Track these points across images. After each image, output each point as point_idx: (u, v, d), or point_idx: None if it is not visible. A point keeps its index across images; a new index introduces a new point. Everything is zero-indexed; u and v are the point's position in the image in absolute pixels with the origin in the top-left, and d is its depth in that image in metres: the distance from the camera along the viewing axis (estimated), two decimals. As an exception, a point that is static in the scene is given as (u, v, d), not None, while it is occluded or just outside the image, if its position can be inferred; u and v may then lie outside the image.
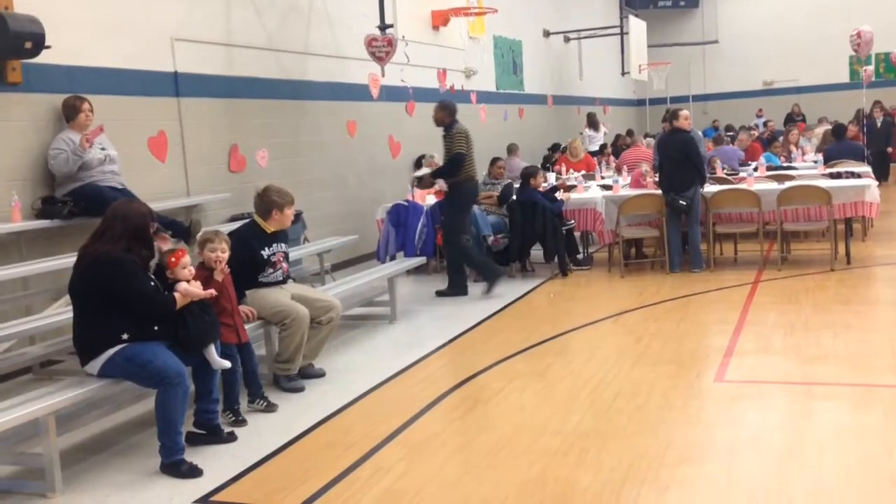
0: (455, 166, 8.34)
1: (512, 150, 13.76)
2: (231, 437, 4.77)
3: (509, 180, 10.14)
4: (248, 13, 9.08)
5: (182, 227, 6.67)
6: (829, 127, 14.91)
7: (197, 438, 4.69)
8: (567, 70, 19.89)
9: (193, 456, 4.45)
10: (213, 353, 4.59)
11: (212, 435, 4.71)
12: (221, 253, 4.95)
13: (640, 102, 26.13)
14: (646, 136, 16.74)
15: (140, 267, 4.33)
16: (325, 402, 5.41)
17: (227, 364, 4.72)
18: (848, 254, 9.10)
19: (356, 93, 10.76)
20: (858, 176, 9.88)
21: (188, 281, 4.53)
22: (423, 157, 11.78)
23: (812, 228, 9.48)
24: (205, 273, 4.93)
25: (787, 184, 9.25)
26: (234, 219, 8.29)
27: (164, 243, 5.05)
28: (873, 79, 22.50)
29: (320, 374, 5.97)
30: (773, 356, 5.86)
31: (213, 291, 4.69)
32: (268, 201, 5.73)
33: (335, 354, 6.58)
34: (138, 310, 4.27)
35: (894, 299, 7.40)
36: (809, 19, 23.62)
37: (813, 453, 4.12)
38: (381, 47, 9.44)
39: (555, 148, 15.88)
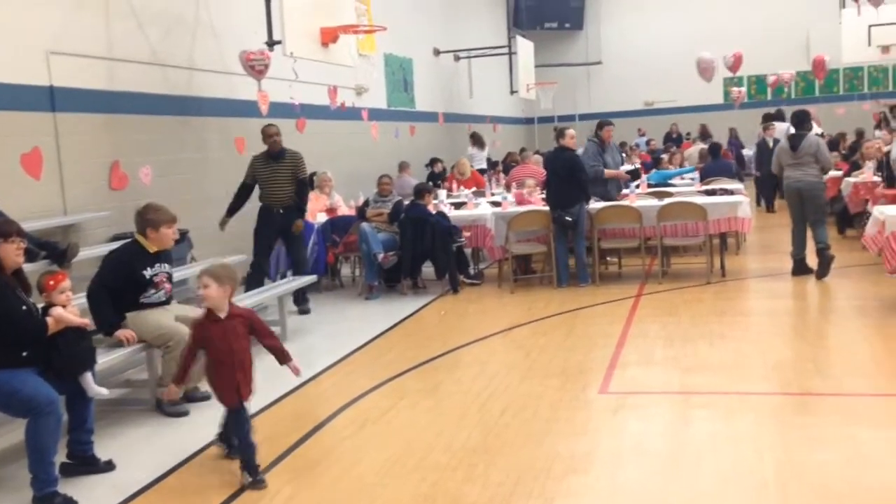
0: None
1: (403, 167, 13.79)
2: (109, 466, 4.57)
3: (399, 197, 10.15)
4: (130, 25, 8.81)
5: (57, 249, 6.38)
6: (704, 146, 15.53)
7: (71, 469, 4.47)
8: (457, 88, 20.11)
9: (68, 487, 4.25)
10: (89, 380, 4.40)
11: (87, 465, 4.50)
12: (203, 289, 4.18)
13: (528, 121, 26.66)
14: (535, 153, 17.06)
15: (9, 288, 4.11)
16: (211, 426, 5.25)
17: (105, 392, 4.52)
18: (723, 267, 9.50)
19: (245, 109, 10.58)
20: (732, 193, 10.35)
21: (64, 306, 4.33)
22: (314, 174, 11.66)
23: (690, 243, 9.85)
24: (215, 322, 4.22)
25: (667, 200, 9.59)
26: (115, 238, 7.99)
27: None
28: (745, 100, 23.73)
29: (205, 398, 5.79)
30: (653, 367, 6.05)
31: (87, 321, 4.47)
32: (144, 220, 5.55)
33: (222, 376, 6.40)
34: (3, 333, 4.05)
35: (765, 310, 7.76)
36: (686, 43, 24.61)
37: (691, 460, 4.27)
38: (259, 61, 9.33)
39: (432, 162, 15.96)
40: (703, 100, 24.47)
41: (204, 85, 9.98)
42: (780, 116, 16.94)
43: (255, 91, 9.68)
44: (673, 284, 9.06)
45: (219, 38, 10.26)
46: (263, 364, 6.68)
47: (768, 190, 15.25)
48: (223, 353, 4.16)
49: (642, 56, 25.98)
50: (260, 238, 8.64)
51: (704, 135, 19.22)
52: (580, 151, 9.85)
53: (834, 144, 14.58)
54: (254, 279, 8.58)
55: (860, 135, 15.15)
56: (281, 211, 8.57)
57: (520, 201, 10.21)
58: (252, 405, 5.55)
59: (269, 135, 8.59)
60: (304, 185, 8.73)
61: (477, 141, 17.63)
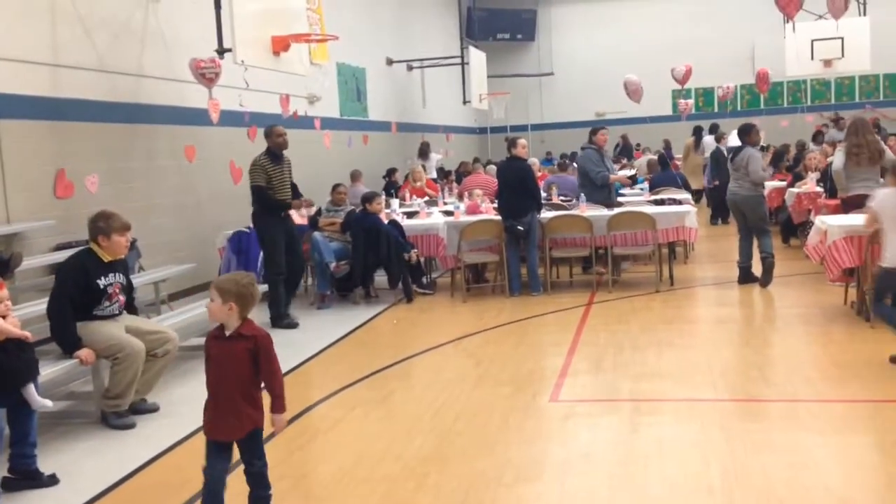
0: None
1: (355, 176, 13.76)
2: (53, 481, 4.47)
3: (352, 207, 10.12)
4: (76, 31, 8.65)
5: (0, 259, 6.22)
6: (652, 157, 15.73)
7: (14, 484, 4.36)
8: (411, 98, 20.14)
9: (10, 503, 4.14)
10: (32, 392, 4.30)
11: (30, 479, 4.39)
12: (209, 301, 3.61)
13: (481, 130, 26.79)
14: (488, 163, 17.15)
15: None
16: (158, 439, 5.17)
17: (49, 404, 4.42)
18: (671, 276, 9.65)
19: (195, 117, 10.46)
20: (680, 203, 10.51)
21: (4, 317, 4.23)
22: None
23: (639, 252, 9.98)
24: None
25: (616, 210, 9.71)
26: (60, 247, 7.82)
27: None
28: (693, 111, 24.14)
29: (153, 409, 5.70)
30: (603, 375, 6.11)
31: (27, 334, 4.35)
32: (95, 227, 5.44)
33: (172, 387, 6.31)
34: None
35: (712, 318, 7.89)
36: (636, 55, 25.01)
37: (640, 467, 4.31)
38: (209, 69, 9.24)
39: (390, 173, 15.96)
40: (653, 111, 24.83)
41: (153, 92, 9.85)
42: (713, 130, 17.40)
43: (205, 99, 9.59)
44: (623, 293, 9.17)
45: (168, 46, 10.13)
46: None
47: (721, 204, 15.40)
48: (214, 376, 3.58)
49: (593, 67, 26.28)
50: (276, 242, 8.30)
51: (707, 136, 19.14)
52: (581, 156, 10.29)
53: (779, 156, 14.88)
54: (289, 283, 8.49)
55: (802, 147, 15.49)
56: (283, 214, 8.47)
57: (473, 211, 10.25)
58: (200, 418, 5.48)
59: (278, 134, 8.42)
60: (296, 188, 8.77)
61: (422, 152, 17.67)
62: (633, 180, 11.20)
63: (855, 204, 8.35)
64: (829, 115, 22.30)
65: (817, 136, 18.71)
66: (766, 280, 8.93)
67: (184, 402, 5.93)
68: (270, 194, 8.27)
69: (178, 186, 10.43)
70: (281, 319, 8.40)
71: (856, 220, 7.55)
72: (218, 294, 3.51)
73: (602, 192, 10.11)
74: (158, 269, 8.87)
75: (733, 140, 14.38)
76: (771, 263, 8.86)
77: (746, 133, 9.28)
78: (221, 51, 8.98)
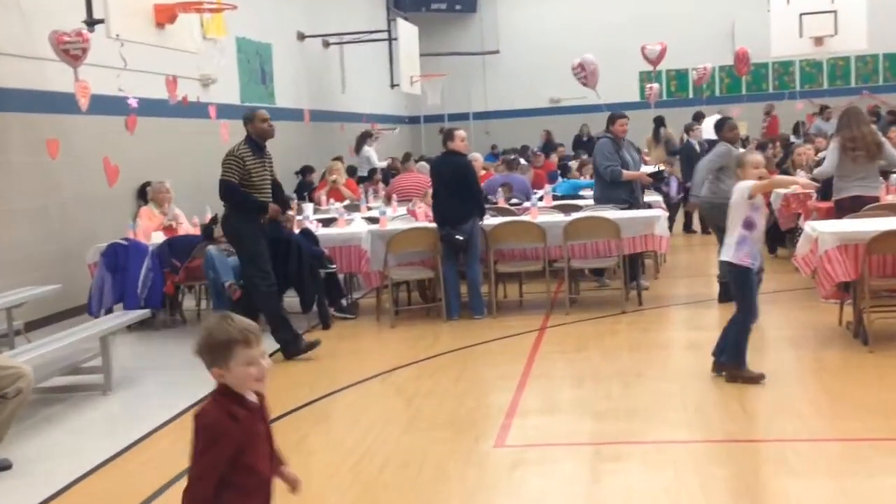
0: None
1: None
2: None
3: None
4: None
5: None
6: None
7: None
8: (327, 80, 20.10)
9: None
10: None
11: None
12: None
13: (413, 120, 26.88)
14: (420, 159, 17.20)
15: None
16: (11, 502, 5.05)
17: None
18: (639, 294, 9.80)
19: (59, 103, 10.28)
20: (649, 206, 10.69)
21: None
22: (148, 184, 11.41)
23: (602, 265, 10.11)
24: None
25: (574, 215, 9.84)
26: None
27: None
28: (663, 97, 24.59)
29: (5, 467, 5.57)
30: (559, 414, 6.18)
31: None
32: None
33: (28, 438, 6.18)
34: None
35: (688, 343, 8.04)
36: (597, 31, 25.37)
37: (601, 523, 4.38)
38: (74, 44, 9.09)
39: (305, 171, 15.90)
40: (618, 97, 25.17)
41: (6, 73, 9.65)
42: (697, 118, 17.81)
43: (71, 81, 9.44)
44: (582, 314, 9.28)
45: (25, 16, 9.95)
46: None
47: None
48: (268, 460, 3.15)
49: (548, 45, 26.49)
50: (258, 245, 8.14)
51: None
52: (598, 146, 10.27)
53: (762, 149, 15.24)
54: (276, 296, 8.35)
55: (787, 140, 15.89)
56: (261, 220, 8.25)
57: (412, 216, 10.27)
58: (66, 475, 5.38)
59: (262, 118, 8.24)
60: (279, 187, 8.64)
61: (359, 144, 17.71)
62: (658, 177, 11.16)
63: (850, 207, 8.61)
64: (820, 101, 22.96)
65: (797, 128, 19.24)
66: None
67: (46, 456, 5.81)
68: (245, 194, 8.03)
69: (39, 188, 10.23)
70: (297, 344, 8.06)
71: (851, 225, 7.81)
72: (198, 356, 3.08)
73: (622, 190, 10.05)
74: (12, 291, 8.68)
75: (708, 132, 14.72)
76: None
77: (719, 128, 9.50)
78: (91, 22, 8.87)
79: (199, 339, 3.02)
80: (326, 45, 19.99)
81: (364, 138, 18.46)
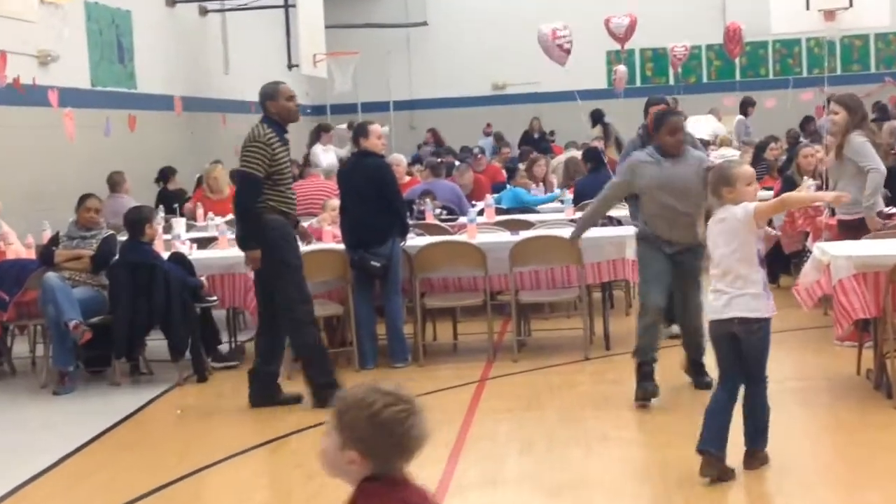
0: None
1: (117, 183, 13.52)
2: None
3: (111, 231, 9.95)
4: None
5: None
6: (576, 154, 16.11)
7: None
8: (205, 59, 20.00)
9: None
10: None
11: None
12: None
13: (317, 110, 26.80)
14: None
15: None
16: None
17: None
18: (606, 335, 9.84)
19: None
20: (619, 222, 10.77)
21: None
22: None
23: (558, 299, 10.15)
24: None
25: (523, 234, 9.89)
26: None
27: None
28: (637, 83, 24.89)
29: None
30: (504, 488, 6.19)
31: None
32: None
33: None
34: None
35: (666, 397, 8.10)
36: (556, 1, 25.55)
37: None
38: None
39: (165, 175, 15.71)
40: (579, 83, 25.41)
41: None
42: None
43: None
44: (534, 362, 9.30)
45: None
46: None
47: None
48: None
49: (490, 16, 26.68)
50: (297, 259, 8.26)
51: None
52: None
53: (760, 150, 15.53)
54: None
55: (795, 139, 16.19)
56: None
57: (315, 237, 10.21)
58: None
59: (287, 95, 8.34)
60: None
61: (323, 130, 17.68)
62: None
63: (856, 227, 8.74)
64: (831, 91, 23.45)
65: (807, 124, 19.57)
66: None
67: None
68: (270, 192, 8.07)
69: None
70: (331, 389, 7.64)
71: (871, 248, 7.95)
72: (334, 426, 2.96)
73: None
74: None
75: (698, 130, 14.97)
76: None
77: (657, 126, 9.01)
78: None
79: (366, 413, 2.88)
80: (204, 12, 19.89)
81: (318, 134, 18.35)
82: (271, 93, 8.37)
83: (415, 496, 2.94)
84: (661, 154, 7.72)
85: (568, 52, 22.04)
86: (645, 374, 7.65)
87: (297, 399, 8.29)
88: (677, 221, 7.54)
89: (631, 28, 21.98)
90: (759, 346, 6.09)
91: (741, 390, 6.10)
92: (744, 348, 6.04)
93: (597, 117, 19.20)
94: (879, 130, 12.13)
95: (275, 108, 8.31)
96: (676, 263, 7.73)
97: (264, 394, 8.28)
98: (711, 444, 5.99)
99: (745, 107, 21.40)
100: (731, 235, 5.97)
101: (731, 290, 5.96)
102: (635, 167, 7.87)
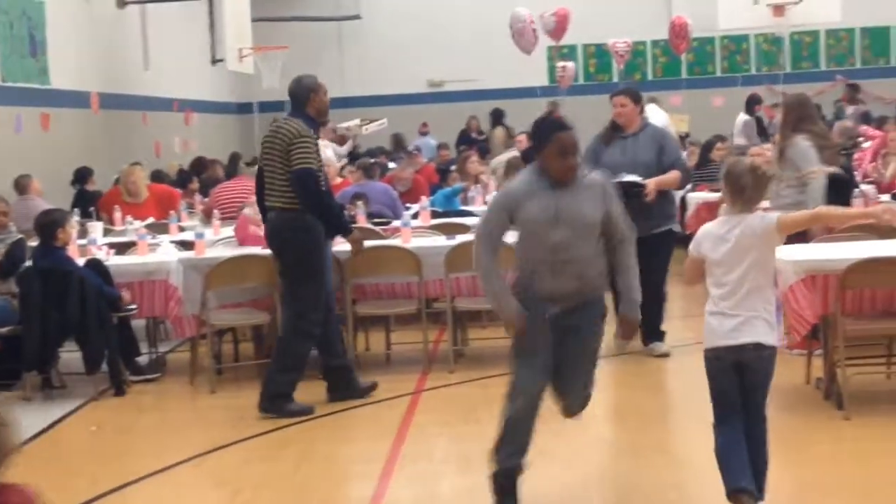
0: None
1: (25, 185, 13.35)
2: None
3: (20, 236, 9.85)
4: None
5: None
6: (515, 154, 16.16)
7: None
8: (124, 53, 19.82)
9: None
10: None
11: None
12: None
13: (243, 108, 26.70)
14: (253, 161, 17.06)
15: None
16: None
17: None
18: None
19: None
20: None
21: None
22: None
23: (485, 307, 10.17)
24: None
25: (460, 238, 9.91)
26: None
27: None
28: (580, 80, 25.01)
29: None
30: (439, 508, 6.18)
31: None
32: None
33: None
34: None
35: (609, 408, 8.18)
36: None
37: None
38: None
39: (82, 176, 15.53)
40: (519, 80, 25.53)
41: None
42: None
43: None
44: (472, 373, 9.31)
45: None
46: None
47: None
48: None
49: (426, 10, 26.72)
50: (321, 279, 8.48)
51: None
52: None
53: (706, 150, 15.65)
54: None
55: (719, 138, 16.17)
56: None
57: (243, 239, 10.16)
58: None
59: (325, 91, 8.62)
60: None
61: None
62: (630, 192, 9.17)
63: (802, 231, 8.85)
64: (782, 88, 23.70)
65: (760, 122, 19.81)
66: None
67: None
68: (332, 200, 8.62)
69: None
70: (286, 400, 8.33)
71: (821, 251, 8.02)
72: None
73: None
74: None
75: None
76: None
77: (535, 134, 8.89)
78: None
79: None
80: (122, 4, 19.72)
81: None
82: (314, 86, 8.55)
83: (14, 497, 3.23)
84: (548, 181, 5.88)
85: (537, 39, 22.14)
86: (505, 491, 5.85)
87: (372, 388, 8.68)
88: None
89: (562, 25, 22.05)
90: (769, 378, 5.62)
91: None
92: (750, 380, 5.53)
93: (497, 117, 19.21)
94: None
95: (317, 102, 8.54)
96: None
97: (343, 387, 8.60)
98: (742, 478, 5.39)
99: (752, 105, 21.34)
100: (745, 251, 5.44)
101: (742, 313, 5.42)
102: (516, 199, 5.94)
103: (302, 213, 8.30)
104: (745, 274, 5.41)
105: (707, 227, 5.69)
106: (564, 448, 7.29)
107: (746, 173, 5.56)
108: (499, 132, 19.36)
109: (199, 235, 10.26)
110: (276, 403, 8.20)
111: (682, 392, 8.69)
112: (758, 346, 5.42)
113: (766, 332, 5.43)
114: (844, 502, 5.99)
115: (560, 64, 23.71)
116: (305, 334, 8.40)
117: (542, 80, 26.20)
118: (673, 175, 9.58)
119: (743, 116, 21.07)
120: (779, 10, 19.26)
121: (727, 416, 5.53)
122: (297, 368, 8.40)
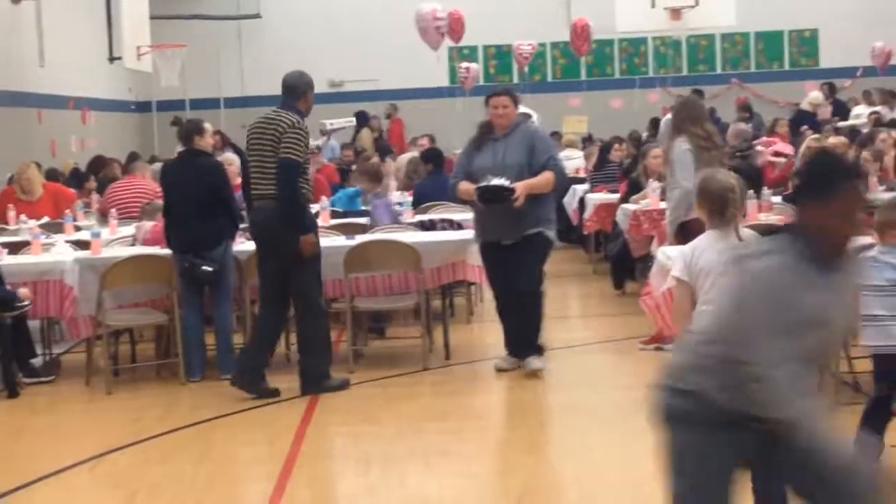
0: None
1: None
2: None
3: None
4: None
5: None
6: (415, 154, 16.18)
7: None
8: (18, 50, 19.52)
9: None
10: None
11: None
12: None
13: (142, 107, 26.41)
14: (152, 160, 16.91)
15: None
16: None
17: None
18: (447, 344, 9.88)
19: None
20: (460, 226, 10.85)
21: None
22: None
23: (397, 307, 10.16)
24: None
25: (359, 238, 9.90)
26: None
27: None
28: (480, 81, 25.10)
29: None
30: (338, 508, 6.18)
31: None
32: None
33: None
34: None
35: (510, 409, 8.23)
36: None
37: None
38: None
39: None
40: (419, 81, 25.58)
41: None
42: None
43: None
44: (371, 373, 9.30)
45: None
46: None
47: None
48: None
49: (328, 11, 26.63)
50: (319, 262, 8.77)
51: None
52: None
53: (605, 152, 15.79)
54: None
55: (638, 140, 16.51)
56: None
57: (156, 240, 10.03)
58: None
59: (313, 88, 9.06)
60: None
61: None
62: (493, 197, 8.88)
63: (690, 230, 8.97)
64: (679, 91, 24.00)
65: (657, 124, 20.05)
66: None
67: None
68: (301, 180, 8.59)
69: None
70: (325, 378, 8.70)
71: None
72: None
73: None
74: None
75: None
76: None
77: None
78: None
79: None
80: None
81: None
82: (311, 84, 9.02)
83: None
84: None
85: (444, 35, 22.12)
86: None
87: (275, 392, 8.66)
88: None
89: (457, 27, 22.09)
90: None
91: None
92: None
93: (362, 120, 19.22)
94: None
95: (310, 99, 8.94)
96: None
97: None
98: None
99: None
100: None
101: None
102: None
103: (290, 206, 8.54)
104: None
105: (695, 244, 5.50)
106: (465, 447, 7.33)
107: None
108: (365, 133, 19.34)
109: (96, 235, 10.14)
110: (319, 383, 8.61)
111: (583, 390, 8.74)
112: None
113: None
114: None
115: (463, 65, 23.78)
116: (319, 314, 8.72)
117: (442, 80, 26.27)
118: (544, 177, 8.95)
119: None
120: (676, 13, 19.51)
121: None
122: (326, 347, 8.84)
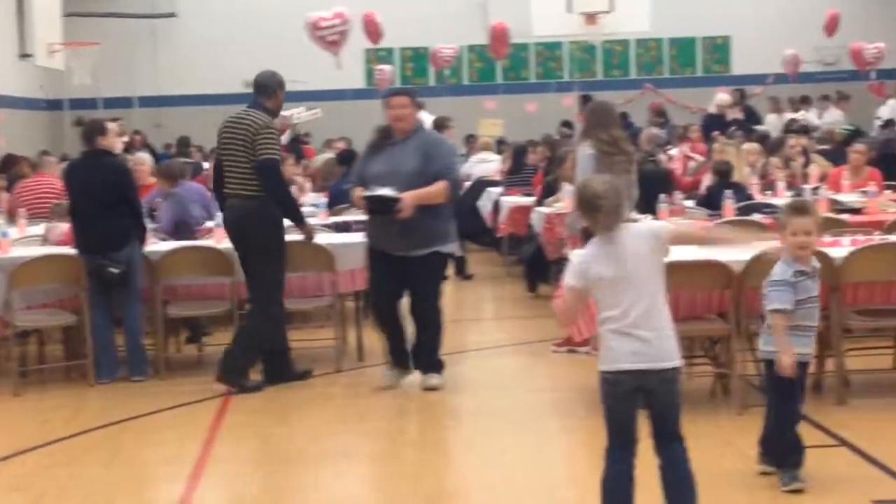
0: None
1: None
2: None
3: None
4: None
5: None
6: (331, 155, 16.16)
7: None
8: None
9: None
10: None
11: None
12: None
13: (53, 105, 26.07)
14: (63, 158, 16.71)
15: None
16: None
17: None
18: (360, 346, 9.90)
19: None
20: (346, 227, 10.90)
21: None
22: None
23: (311, 307, 10.13)
24: None
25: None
26: None
27: None
28: (397, 84, 25.14)
29: None
30: (248, 511, 6.14)
31: None
32: None
33: None
34: None
35: (422, 410, 8.22)
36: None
37: None
38: None
39: None
40: (338, 82, 25.49)
41: None
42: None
43: None
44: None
45: None
46: None
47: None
48: None
49: (245, 10, 26.48)
50: (283, 263, 8.96)
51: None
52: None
53: (520, 154, 15.87)
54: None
55: (553, 145, 16.61)
56: None
57: (69, 241, 9.88)
58: None
59: (284, 87, 9.34)
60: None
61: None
62: (379, 207, 8.72)
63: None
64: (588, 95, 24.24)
65: (569, 125, 20.25)
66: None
67: None
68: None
69: None
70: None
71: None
72: None
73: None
74: None
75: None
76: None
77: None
78: None
79: None
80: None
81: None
82: (282, 83, 9.22)
83: None
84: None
85: (334, 44, 22.02)
86: None
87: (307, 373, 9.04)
88: None
89: (371, 27, 22.07)
90: (678, 398, 5.11)
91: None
92: (658, 403, 5.06)
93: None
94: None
95: (280, 98, 9.19)
96: None
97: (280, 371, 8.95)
98: None
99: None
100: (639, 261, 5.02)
101: (645, 334, 4.96)
102: None
103: (264, 201, 8.64)
104: (643, 288, 4.97)
105: (585, 252, 5.24)
106: (376, 448, 7.34)
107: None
108: None
109: (4, 234, 9.99)
110: (235, 377, 8.66)
111: (495, 393, 8.76)
112: (661, 371, 4.98)
113: (671, 352, 5.01)
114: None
115: (378, 67, 23.78)
116: (273, 315, 8.78)
117: (359, 82, 26.27)
118: (436, 188, 8.48)
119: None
120: (591, 18, 19.68)
121: (630, 444, 5.16)
122: (257, 349, 8.83)
